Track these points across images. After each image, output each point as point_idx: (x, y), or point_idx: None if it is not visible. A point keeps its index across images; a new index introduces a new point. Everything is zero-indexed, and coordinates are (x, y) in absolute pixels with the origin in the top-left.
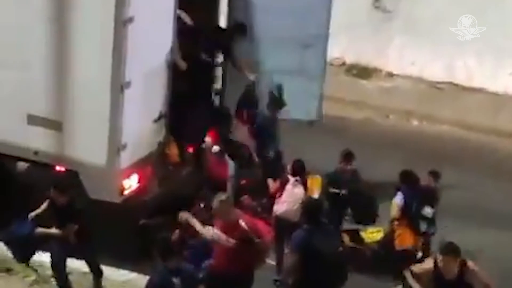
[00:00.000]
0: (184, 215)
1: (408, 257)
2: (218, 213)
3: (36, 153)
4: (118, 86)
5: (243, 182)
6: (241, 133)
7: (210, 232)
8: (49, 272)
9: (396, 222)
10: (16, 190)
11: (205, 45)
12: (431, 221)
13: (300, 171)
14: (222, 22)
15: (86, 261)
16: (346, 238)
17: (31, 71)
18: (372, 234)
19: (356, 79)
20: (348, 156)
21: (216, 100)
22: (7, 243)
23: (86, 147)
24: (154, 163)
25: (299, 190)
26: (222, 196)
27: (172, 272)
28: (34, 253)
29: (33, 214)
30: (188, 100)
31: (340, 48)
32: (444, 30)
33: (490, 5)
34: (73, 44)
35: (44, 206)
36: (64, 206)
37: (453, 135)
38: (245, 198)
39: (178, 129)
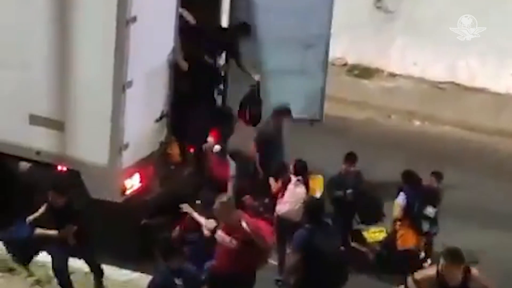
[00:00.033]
0: (185, 206)
1: (410, 257)
2: (219, 214)
3: (38, 153)
4: (120, 86)
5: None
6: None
7: (212, 223)
8: (52, 272)
9: (398, 222)
10: (18, 190)
11: (207, 45)
12: (433, 221)
13: (302, 171)
14: (224, 22)
15: (86, 262)
16: (348, 238)
17: (33, 71)
18: (374, 234)
19: (357, 79)
20: (351, 158)
21: (218, 100)
22: (7, 246)
23: (88, 147)
24: (156, 162)
25: (301, 190)
26: (223, 197)
27: (174, 273)
28: (34, 256)
29: (31, 217)
30: (190, 99)
31: (342, 48)
32: (446, 30)
33: (492, 5)
34: (75, 43)
35: (42, 209)
36: (62, 208)
37: (455, 136)
38: (247, 198)
39: (179, 129)
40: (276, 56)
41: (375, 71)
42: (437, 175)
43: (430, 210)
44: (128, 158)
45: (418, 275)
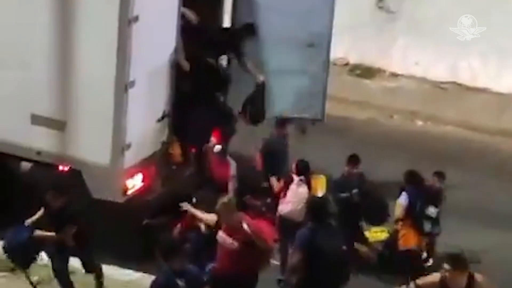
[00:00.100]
0: (185, 205)
1: (412, 257)
2: (221, 215)
3: (39, 153)
4: (122, 86)
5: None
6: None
7: (213, 217)
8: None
9: (400, 222)
10: (19, 190)
11: (210, 45)
12: (435, 221)
13: (304, 171)
14: (226, 22)
15: (84, 263)
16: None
17: (35, 70)
18: (376, 234)
19: (359, 79)
20: (354, 160)
21: (220, 100)
22: (5, 252)
23: (90, 146)
24: (157, 162)
25: (304, 190)
26: (224, 199)
27: (176, 274)
28: (34, 259)
29: (29, 220)
30: (191, 99)
31: (343, 48)
32: (448, 30)
33: (493, 5)
34: (77, 43)
35: (40, 212)
36: (60, 209)
37: (457, 136)
38: (248, 198)
39: (181, 129)
40: (277, 56)
41: (377, 71)
42: (440, 175)
43: (432, 210)
44: (130, 158)
45: (421, 281)
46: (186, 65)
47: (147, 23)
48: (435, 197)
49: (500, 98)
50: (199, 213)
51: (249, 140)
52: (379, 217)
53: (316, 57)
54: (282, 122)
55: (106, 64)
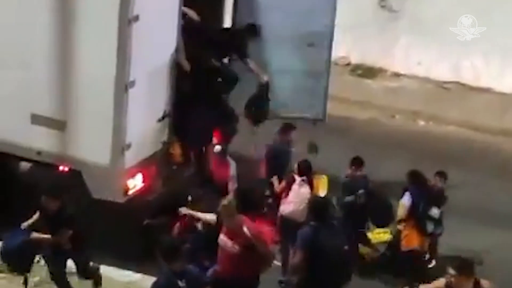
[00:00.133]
0: (184, 210)
1: (415, 258)
2: (221, 217)
3: (39, 153)
4: (123, 86)
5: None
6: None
7: (212, 217)
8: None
9: (403, 223)
10: (19, 190)
11: (212, 45)
12: (438, 222)
13: (307, 171)
14: (227, 22)
15: (81, 268)
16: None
17: (35, 70)
18: (379, 235)
19: (361, 79)
20: (357, 162)
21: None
22: (1, 256)
23: (90, 146)
24: (158, 162)
25: (306, 190)
26: (224, 201)
27: (177, 274)
28: (31, 262)
29: (25, 224)
30: (192, 99)
31: (345, 48)
32: (451, 30)
33: (495, 5)
34: (77, 43)
35: (36, 216)
36: (56, 212)
37: (459, 136)
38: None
39: (181, 129)
40: (279, 56)
41: (378, 71)
42: (442, 175)
43: (435, 211)
44: (131, 158)
45: (425, 286)
46: (186, 65)
47: (148, 23)
48: (438, 198)
49: (503, 98)
50: (199, 214)
51: (250, 140)
52: (385, 218)
53: (317, 57)
54: (286, 128)
55: (106, 64)
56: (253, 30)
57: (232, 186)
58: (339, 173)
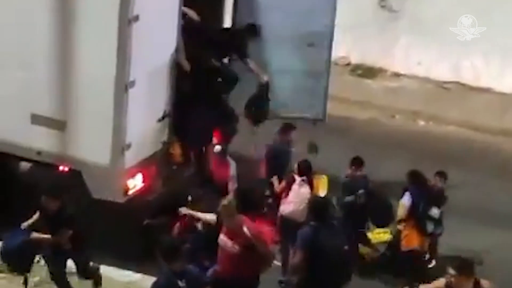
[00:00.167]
0: (184, 210)
1: (415, 258)
2: (221, 217)
3: (39, 153)
4: (123, 86)
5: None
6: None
7: (212, 217)
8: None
9: (403, 223)
10: (19, 190)
11: (210, 45)
12: (438, 222)
13: (307, 171)
14: (227, 22)
15: (80, 268)
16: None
17: (35, 70)
18: (379, 235)
19: (361, 79)
20: (357, 162)
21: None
22: (2, 257)
23: (90, 146)
24: (158, 162)
25: (306, 190)
26: (224, 201)
27: (177, 274)
28: (32, 262)
29: (25, 224)
30: (192, 99)
31: (345, 48)
32: (451, 30)
33: (495, 5)
34: (77, 43)
35: (36, 216)
36: (56, 212)
37: (459, 136)
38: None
39: (181, 129)
40: (279, 56)
41: (378, 71)
42: (442, 175)
43: (435, 211)
44: (131, 158)
45: (425, 286)
46: (186, 65)
47: (148, 23)
48: (438, 198)
49: (503, 98)
50: (199, 214)
51: (250, 140)
52: (385, 218)
53: (317, 57)
54: (286, 128)
55: (106, 64)
56: (253, 30)
57: (232, 186)
58: (339, 173)
